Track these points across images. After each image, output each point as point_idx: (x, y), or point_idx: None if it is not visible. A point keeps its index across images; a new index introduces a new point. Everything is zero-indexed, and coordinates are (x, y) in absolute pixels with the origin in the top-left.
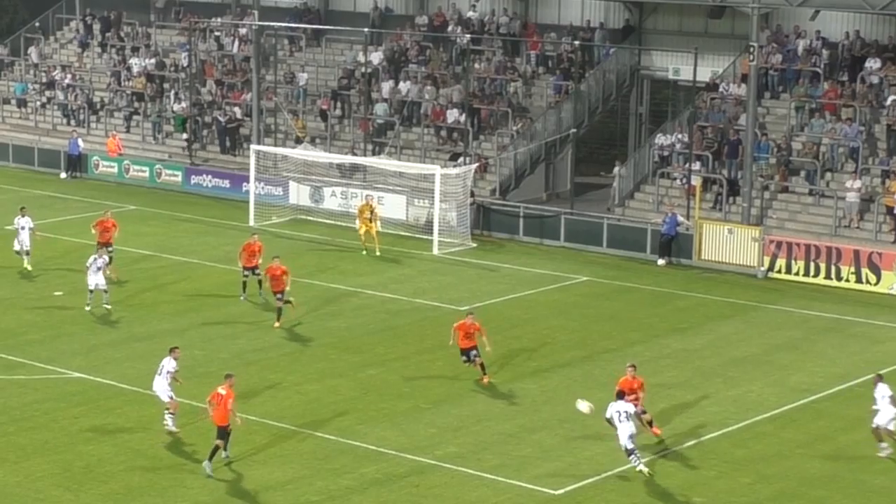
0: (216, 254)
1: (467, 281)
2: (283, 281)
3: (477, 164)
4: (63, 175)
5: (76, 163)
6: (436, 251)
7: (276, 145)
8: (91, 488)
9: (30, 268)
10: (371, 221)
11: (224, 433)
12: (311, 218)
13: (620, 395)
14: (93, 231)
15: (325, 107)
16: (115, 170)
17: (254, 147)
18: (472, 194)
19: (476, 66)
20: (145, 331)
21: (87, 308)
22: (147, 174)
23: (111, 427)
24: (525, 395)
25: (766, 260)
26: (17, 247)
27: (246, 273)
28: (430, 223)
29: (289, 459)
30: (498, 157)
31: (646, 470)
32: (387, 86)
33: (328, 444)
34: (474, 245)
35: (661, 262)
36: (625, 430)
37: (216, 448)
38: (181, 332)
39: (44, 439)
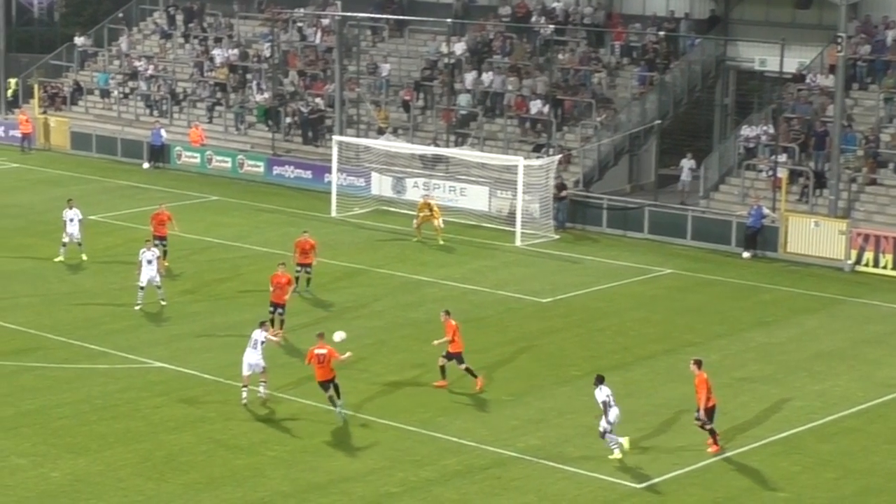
0: None
1: (549, 273)
2: (286, 290)
3: (560, 156)
4: (145, 165)
5: (159, 153)
6: (518, 243)
7: (358, 136)
8: (172, 477)
9: (85, 257)
10: (431, 217)
11: (330, 385)
12: (392, 209)
13: (601, 380)
14: (151, 227)
15: (407, 97)
16: (198, 160)
17: (336, 138)
18: (565, 187)
19: (560, 56)
20: (226, 321)
21: (138, 307)
22: (229, 164)
23: (192, 417)
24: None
25: (853, 253)
26: (65, 239)
27: (298, 269)
28: (512, 215)
29: (369, 450)
30: (581, 149)
31: (619, 455)
32: (470, 76)
33: (409, 436)
34: (557, 237)
35: (746, 254)
36: (615, 413)
37: (331, 396)
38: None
39: (125, 428)
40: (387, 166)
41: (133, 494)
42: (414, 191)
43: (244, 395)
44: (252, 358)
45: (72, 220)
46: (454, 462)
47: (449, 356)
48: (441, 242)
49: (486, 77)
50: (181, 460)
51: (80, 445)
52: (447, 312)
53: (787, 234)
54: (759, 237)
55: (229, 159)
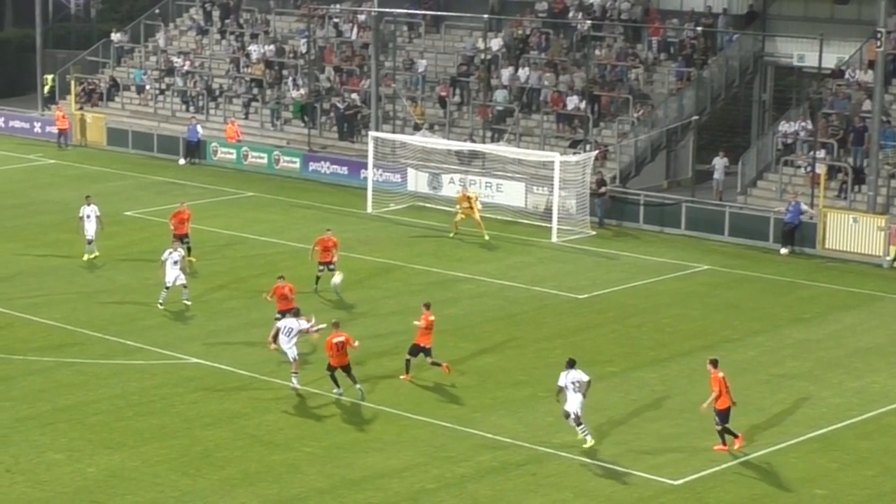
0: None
1: (586, 269)
2: (291, 301)
3: (597, 152)
4: (181, 161)
5: (195, 149)
6: (554, 239)
7: (394, 132)
8: (208, 473)
9: (96, 254)
10: (471, 210)
11: (346, 370)
12: (429, 205)
13: (572, 364)
14: (171, 226)
15: (443, 93)
16: (234, 156)
17: (372, 134)
18: (605, 183)
19: (597, 52)
20: (261, 317)
21: (161, 306)
22: (265, 161)
23: (228, 412)
24: (644, 384)
25: (892, 249)
26: (88, 236)
27: (321, 268)
28: (549, 211)
29: (404, 447)
30: (618, 145)
31: (591, 442)
32: (506, 72)
33: (444, 432)
34: (593, 233)
35: (783, 251)
36: (576, 400)
37: (334, 377)
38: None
39: (161, 424)
40: (423, 162)
41: (169, 490)
42: (450, 187)
43: (294, 381)
44: (285, 344)
45: (88, 217)
46: (489, 458)
47: (414, 349)
48: (486, 238)
49: (523, 73)
50: (217, 456)
51: (117, 441)
52: (427, 306)
53: (826, 231)
54: (797, 233)
55: (265, 155)
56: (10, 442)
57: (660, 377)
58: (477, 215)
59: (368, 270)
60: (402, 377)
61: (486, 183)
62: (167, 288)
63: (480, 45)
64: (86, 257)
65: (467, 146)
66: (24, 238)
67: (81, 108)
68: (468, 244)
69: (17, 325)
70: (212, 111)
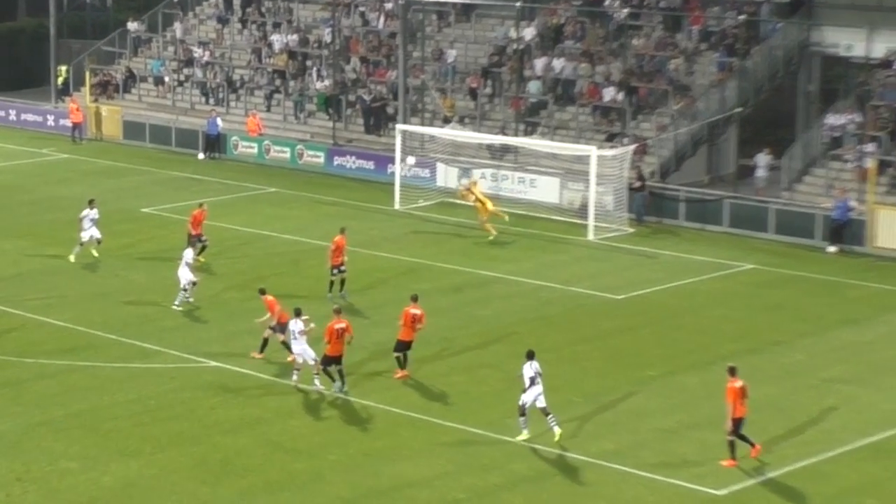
0: (360, 238)
1: (624, 268)
2: (284, 315)
3: (635, 146)
4: (201, 156)
5: (214, 143)
6: (591, 236)
7: (423, 125)
8: (229, 482)
9: (73, 259)
10: (481, 203)
11: (339, 361)
12: (459, 201)
13: (531, 356)
14: (190, 229)
15: (474, 85)
16: (255, 150)
17: (400, 127)
18: (643, 178)
19: (634, 41)
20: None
21: (177, 307)
22: (288, 155)
23: (249, 418)
24: (685, 389)
25: None
26: (85, 238)
27: (334, 273)
28: (584, 207)
29: (434, 454)
30: (657, 138)
31: (526, 436)
32: (540, 63)
33: (475, 439)
34: (631, 230)
35: (831, 249)
36: (536, 391)
37: (329, 372)
38: (323, 320)
39: (180, 430)
40: (453, 157)
41: (188, 499)
42: (481, 182)
43: (294, 377)
44: (296, 348)
45: (93, 221)
46: (523, 467)
47: (401, 345)
48: (491, 237)
49: (557, 63)
50: (238, 464)
51: (133, 448)
52: (415, 298)
53: (875, 228)
54: (845, 231)
55: (288, 149)
56: (21, 449)
57: (702, 382)
58: (489, 205)
59: (395, 270)
60: (396, 375)
61: (519, 178)
62: (184, 290)
63: (513, 34)
64: (72, 258)
65: (499, 140)
66: (35, 236)
67: (96, 101)
68: (500, 242)
69: (29, 327)
70: (232, 103)
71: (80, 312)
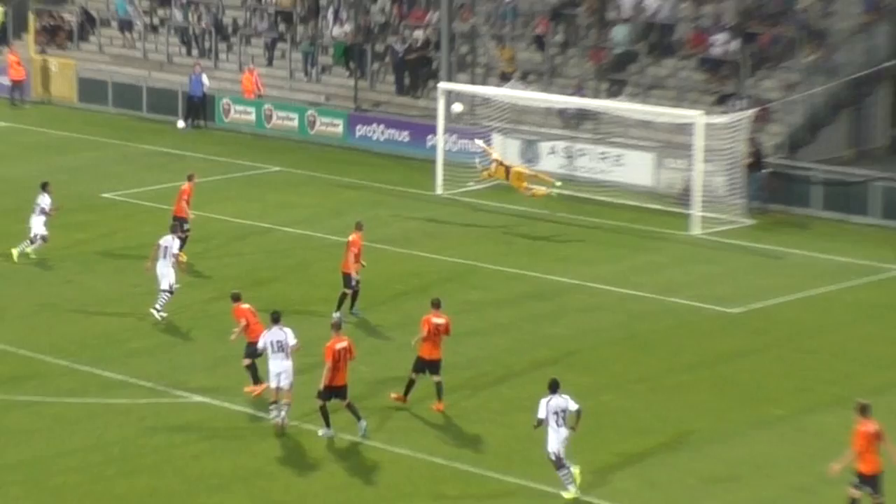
0: (390, 233)
1: (740, 272)
2: (258, 329)
3: (754, 111)
4: (181, 124)
5: (199, 107)
6: (696, 230)
7: (473, 83)
8: None
9: (27, 250)
10: (508, 171)
11: (343, 393)
12: (539, 186)
13: (555, 387)
14: (185, 208)
15: (541, 31)
16: (253, 117)
17: (443, 86)
18: (760, 152)
19: None
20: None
21: (159, 315)
22: (296, 123)
23: (244, 471)
24: (823, 431)
25: None
26: (42, 232)
27: (352, 284)
28: (687, 192)
29: None
30: (784, 101)
31: (574, 493)
32: (628, 2)
33: (545, 500)
34: (750, 222)
35: None
36: (560, 436)
37: (326, 411)
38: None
39: (153, 487)
40: (513, 125)
41: None
42: (550, 158)
43: (273, 413)
44: (278, 365)
45: (41, 209)
46: None
47: (421, 363)
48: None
49: (651, 2)
50: None
51: None
52: (436, 304)
53: None
54: None
55: (296, 116)
56: None
57: (844, 421)
58: (522, 171)
59: (438, 273)
60: (392, 395)
61: (601, 154)
62: (167, 292)
63: None
64: (14, 253)
65: (574, 102)
66: None
67: (43, 52)
68: (577, 238)
69: None
70: (222, 55)
71: (21, 331)
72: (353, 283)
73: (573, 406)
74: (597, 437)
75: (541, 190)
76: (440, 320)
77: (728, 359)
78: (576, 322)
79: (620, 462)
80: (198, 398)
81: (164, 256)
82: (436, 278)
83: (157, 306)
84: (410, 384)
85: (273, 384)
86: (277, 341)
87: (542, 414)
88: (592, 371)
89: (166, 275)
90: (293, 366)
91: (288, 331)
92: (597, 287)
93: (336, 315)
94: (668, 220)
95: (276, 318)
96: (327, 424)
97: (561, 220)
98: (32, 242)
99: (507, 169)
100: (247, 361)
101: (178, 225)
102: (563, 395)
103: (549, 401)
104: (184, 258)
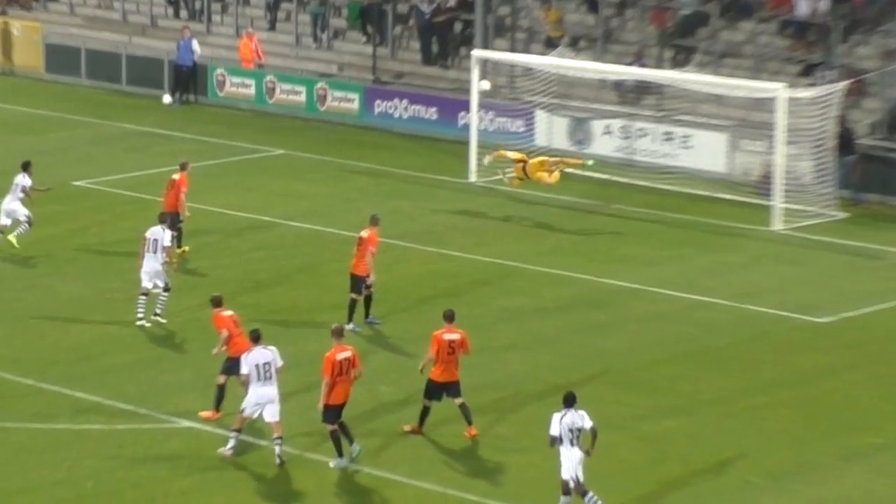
0: (414, 228)
1: (830, 275)
2: (242, 343)
3: (846, 83)
4: (167, 99)
5: (188, 79)
6: (777, 225)
7: (513, 51)
8: None
9: (13, 241)
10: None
11: (339, 413)
12: (570, 170)
13: (571, 401)
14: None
15: None
16: (252, 90)
17: (478, 53)
18: (849, 133)
19: None
20: (296, 352)
21: (140, 321)
22: (303, 97)
23: None
24: None
25: None
26: (21, 216)
27: (364, 289)
28: (767, 179)
29: None
30: (882, 72)
31: None
32: None
33: None
34: (842, 215)
35: None
36: (574, 458)
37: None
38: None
39: None
40: (560, 100)
41: None
42: (604, 140)
43: (230, 444)
44: (263, 393)
45: (21, 191)
46: None
47: (433, 389)
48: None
49: None
50: None
51: None
52: (449, 317)
53: None
54: None
55: (303, 89)
56: None
57: None
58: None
59: (470, 276)
60: (405, 427)
61: (665, 134)
62: (145, 295)
63: None
64: (13, 240)
65: (633, 73)
66: None
67: (3, 13)
68: (635, 234)
69: None
70: (216, 18)
71: None
72: (365, 286)
73: (588, 424)
74: (658, 469)
75: (555, 176)
76: (454, 336)
77: (815, 377)
78: (634, 334)
79: (686, 499)
80: (186, 423)
81: (154, 251)
82: (468, 281)
83: (157, 310)
84: (425, 412)
85: (249, 413)
86: (265, 364)
87: (555, 431)
88: (654, 392)
89: (155, 274)
90: (279, 391)
91: (274, 349)
92: (659, 292)
93: (349, 326)
94: (745, 213)
95: (256, 337)
96: (339, 453)
97: (617, 213)
98: (30, 225)
99: (524, 165)
100: (221, 379)
101: (171, 220)
102: (580, 412)
103: (563, 416)
104: (186, 250)
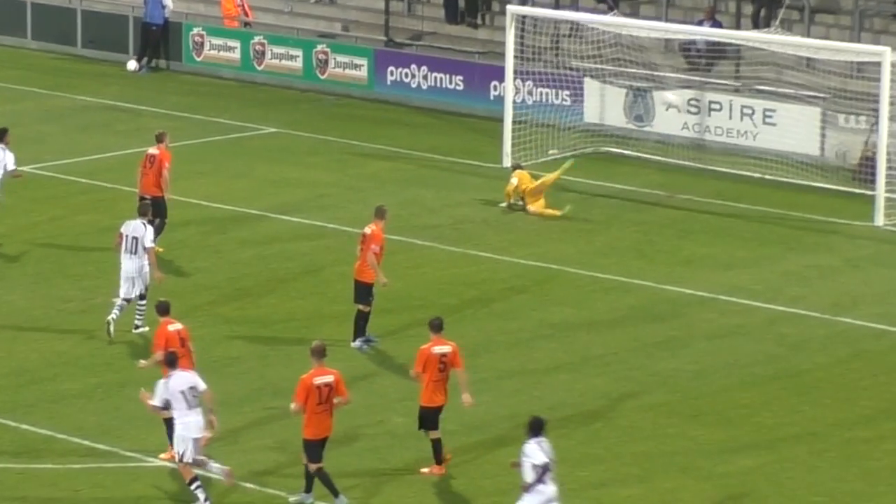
0: (436, 223)
1: None
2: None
3: None
4: (132, 65)
5: (158, 41)
6: (880, 220)
7: (557, 7)
8: None
9: None
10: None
11: (322, 447)
12: (628, 151)
13: (537, 429)
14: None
15: None
16: (237, 54)
17: (513, 9)
18: None
19: None
20: (292, 375)
21: (111, 334)
22: (300, 63)
23: None
24: None
25: None
26: None
27: (368, 299)
28: (867, 164)
29: None
30: None
31: None
32: None
33: None
34: None
35: None
36: (549, 493)
37: (313, 475)
38: (362, 379)
39: None
40: (615, 66)
41: None
42: (668, 116)
43: (202, 498)
44: (192, 423)
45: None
46: None
47: (427, 415)
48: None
49: None
50: None
51: None
52: (436, 326)
53: None
54: None
55: (299, 53)
56: None
57: None
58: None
59: (503, 283)
60: (423, 470)
61: (743, 108)
62: (125, 301)
63: None
64: None
65: (704, 34)
66: None
67: None
68: (705, 230)
69: None
70: None
71: None
72: (368, 298)
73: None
74: None
75: (538, 204)
76: (444, 349)
77: None
78: (705, 352)
79: None
80: (154, 461)
81: (134, 252)
82: (502, 289)
83: (137, 322)
84: (437, 446)
85: (182, 451)
86: (190, 388)
87: (538, 460)
88: (728, 423)
89: (136, 279)
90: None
91: (195, 372)
92: (735, 302)
93: (355, 344)
94: (841, 205)
95: (171, 361)
96: (335, 494)
97: (685, 206)
98: None
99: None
100: (166, 413)
101: (151, 207)
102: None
103: (539, 443)
104: (159, 250)
